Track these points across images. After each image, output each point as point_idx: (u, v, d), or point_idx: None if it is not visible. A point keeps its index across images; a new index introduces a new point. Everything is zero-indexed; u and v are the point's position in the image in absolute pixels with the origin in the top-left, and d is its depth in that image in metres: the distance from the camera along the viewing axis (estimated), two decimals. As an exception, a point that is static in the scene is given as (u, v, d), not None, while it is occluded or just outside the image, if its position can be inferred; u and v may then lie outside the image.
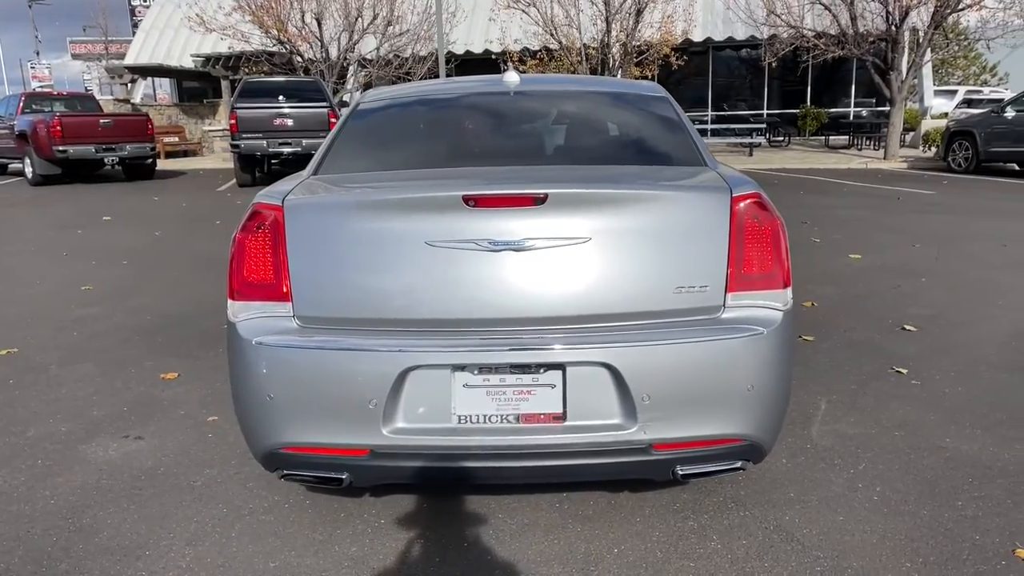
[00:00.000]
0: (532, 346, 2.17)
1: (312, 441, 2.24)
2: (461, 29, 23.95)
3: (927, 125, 19.94)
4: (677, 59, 19.60)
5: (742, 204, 2.30)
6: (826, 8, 17.78)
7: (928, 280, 6.02)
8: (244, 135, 14.39)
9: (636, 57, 19.22)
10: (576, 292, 2.21)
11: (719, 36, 23.24)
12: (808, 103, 25.10)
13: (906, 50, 17.34)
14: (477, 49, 24.29)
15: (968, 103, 21.59)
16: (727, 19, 22.28)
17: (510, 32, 21.57)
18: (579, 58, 19.54)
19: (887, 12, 16.96)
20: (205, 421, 3.49)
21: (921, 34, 17.39)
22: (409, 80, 21.08)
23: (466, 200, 2.20)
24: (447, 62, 19.53)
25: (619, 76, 19.03)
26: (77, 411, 3.65)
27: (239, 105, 14.55)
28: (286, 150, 14.53)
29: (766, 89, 25.78)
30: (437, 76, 18.20)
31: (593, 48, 19.57)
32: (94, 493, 2.86)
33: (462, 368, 2.18)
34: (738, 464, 2.35)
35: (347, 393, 2.18)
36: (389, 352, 2.17)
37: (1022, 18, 16.96)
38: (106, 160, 15.93)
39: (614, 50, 19.10)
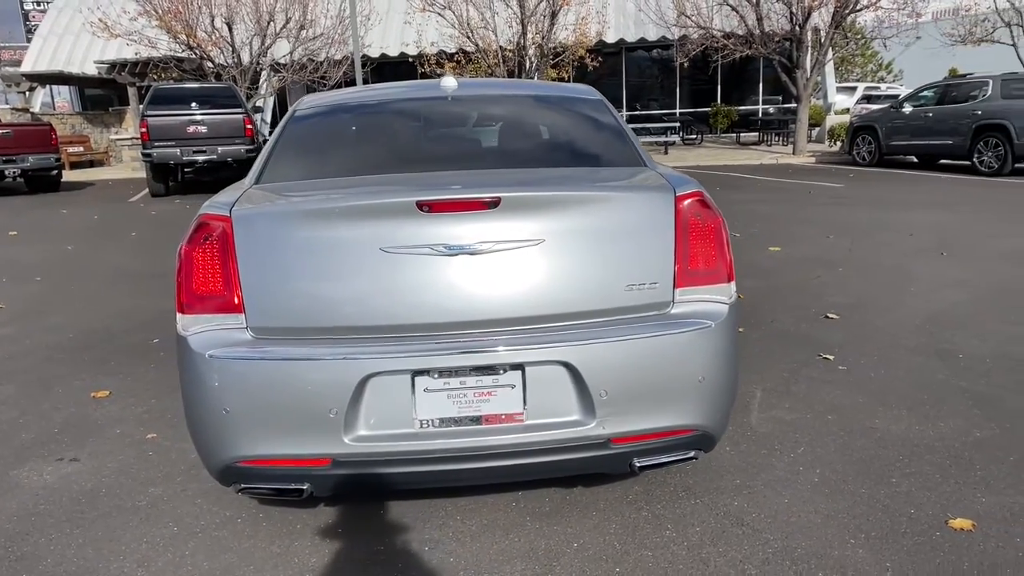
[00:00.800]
0: (491, 347, 2.20)
1: (271, 453, 2.21)
2: (376, 32, 23.76)
3: (831, 121, 20.91)
4: (591, 60, 19.95)
5: (685, 203, 2.39)
6: (733, 9, 18.41)
7: (845, 270, 6.34)
8: (156, 144, 13.90)
9: (552, 59, 19.47)
10: (532, 293, 2.25)
11: (631, 37, 23.78)
12: (719, 101, 25.94)
13: (810, 49, 18.12)
14: (393, 52, 24.14)
15: (867, 99, 22.71)
16: (639, 21, 22.81)
17: (426, 35, 21.53)
18: (496, 60, 19.66)
19: (791, 13, 17.70)
20: (144, 439, 3.37)
21: (823, 34, 18.20)
22: (324, 84, 20.76)
23: (420, 206, 2.22)
24: (363, 65, 19.34)
25: (536, 78, 19.25)
26: (3, 436, 3.47)
27: (149, 113, 14.04)
28: (200, 158, 14.10)
29: (678, 88, 26.52)
30: (353, 80, 17.98)
31: (510, 51, 19.72)
32: (33, 519, 2.73)
33: (423, 373, 2.19)
34: (691, 454, 2.44)
35: (307, 403, 2.16)
36: (348, 360, 2.16)
37: (913, 18, 17.96)
38: (7, 172, 15.11)
39: (531, 52, 19.29)
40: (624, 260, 2.31)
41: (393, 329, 2.22)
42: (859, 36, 18.64)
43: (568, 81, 19.84)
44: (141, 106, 15.68)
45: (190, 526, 2.65)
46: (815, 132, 22.63)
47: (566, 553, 2.43)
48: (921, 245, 7.25)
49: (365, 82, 19.71)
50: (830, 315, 5.00)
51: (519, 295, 2.24)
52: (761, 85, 26.02)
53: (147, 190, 14.78)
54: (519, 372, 2.22)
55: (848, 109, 22.11)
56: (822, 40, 18.05)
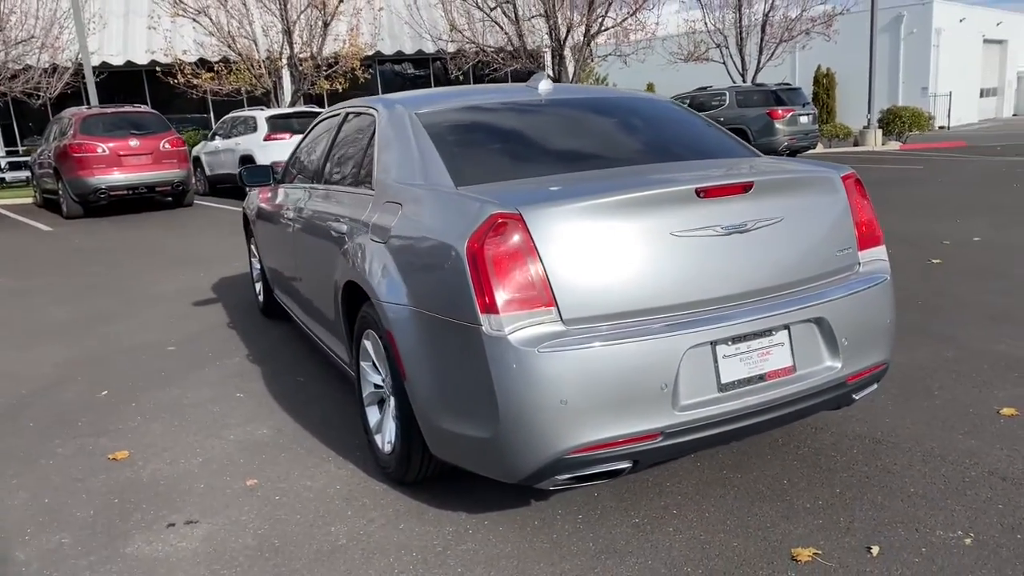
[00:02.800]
0: (765, 313, 2.47)
1: (605, 437, 2.26)
2: (113, 38, 21.39)
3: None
4: (363, 73, 19.91)
5: (849, 180, 2.85)
6: (499, 26, 19.52)
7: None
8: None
9: (326, 70, 19.10)
10: (782, 262, 2.56)
11: (408, 49, 24.05)
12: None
13: (570, 64, 19.80)
14: (140, 60, 21.90)
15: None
16: (414, 34, 23.10)
17: (179, 42, 19.87)
18: (262, 70, 18.80)
19: (551, 30, 19.22)
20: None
21: (579, 50, 19.97)
22: (39, 95, 18.17)
23: (697, 192, 2.43)
24: (97, 74, 17.34)
25: (302, 89, 18.75)
26: None
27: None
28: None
29: None
30: (79, 91, 15.99)
31: (277, 60, 18.98)
32: None
33: (721, 342, 2.40)
34: (875, 384, 2.90)
35: (640, 382, 2.26)
36: (672, 336, 2.30)
37: (648, 37, 20.38)
38: None
39: (305, 62, 18.74)
40: (830, 230, 2.71)
41: (690, 305, 2.40)
42: (600, 56, 20.75)
43: (341, 92, 19.62)
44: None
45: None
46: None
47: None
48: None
49: (102, 95, 17.66)
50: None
51: (775, 265, 2.54)
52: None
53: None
54: (786, 331, 2.51)
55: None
56: (577, 57, 19.81)
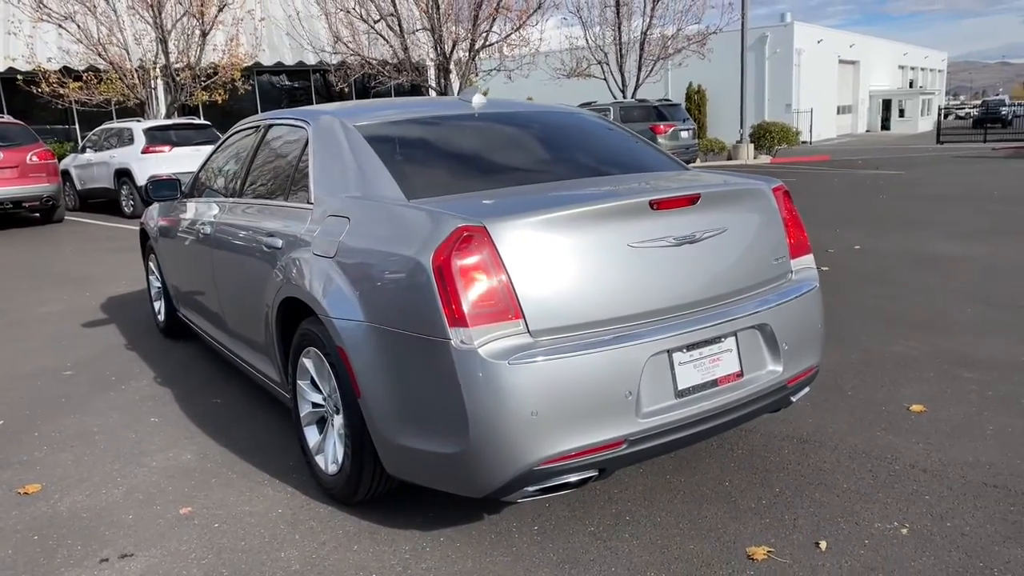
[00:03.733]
0: (715, 320, 2.56)
1: (575, 447, 2.27)
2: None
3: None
4: (245, 83, 19.24)
5: (778, 192, 3.02)
6: (383, 39, 19.35)
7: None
8: None
9: (204, 81, 18.31)
10: (729, 271, 2.67)
11: (289, 60, 23.36)
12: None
13: (456, 78, 19.88)
14: (-2, 66, 20.22)
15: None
16: (295, 45, 22.48)
17: (42, 49, 18.51)
18: (135, 80, 17.82)
19: (437, 45, 19.24)
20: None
21: (463, 65, 20.09)
22: None
23: (651, 204, 2.50)
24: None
25: (179, 100, 17.92)
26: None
27: None
28: None
29: None
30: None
31: (151, 70, 18.05)
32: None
33: (677, 349, 2.47)
34: (808, 387, 3.06)
35: (607, 390, 2.29)
36: (636, 344, 2.35)
37: (533, 53, 20.75)
38: None
39: (182, 72, 17.90)
40: (766, 240, 2.84)
41: (648, 314, 2.45)
42: (486, 71, 20.96)
43: (222, 103, 18.89)
44: None
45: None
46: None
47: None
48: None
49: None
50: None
51: (721, 274, 2.64)
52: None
53: None
54: (734, 338, 2.62)
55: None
56: (464, 71, 19.92)
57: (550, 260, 2.32)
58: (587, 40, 22.24)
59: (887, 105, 44.36)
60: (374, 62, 19.31)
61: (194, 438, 3.61)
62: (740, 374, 2.64)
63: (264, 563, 2.54)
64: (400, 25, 19.13)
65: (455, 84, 19.73)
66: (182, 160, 13.77)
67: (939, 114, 34.12)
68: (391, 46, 19.32)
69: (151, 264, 5.52)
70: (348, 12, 18.95)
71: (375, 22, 19.11)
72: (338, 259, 2.66)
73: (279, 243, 3.07)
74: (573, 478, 2.35)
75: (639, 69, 21.83)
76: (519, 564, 2.48)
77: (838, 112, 41.32)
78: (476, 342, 2.21)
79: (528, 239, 2.30)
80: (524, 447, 2.23)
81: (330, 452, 2.91)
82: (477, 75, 20.50)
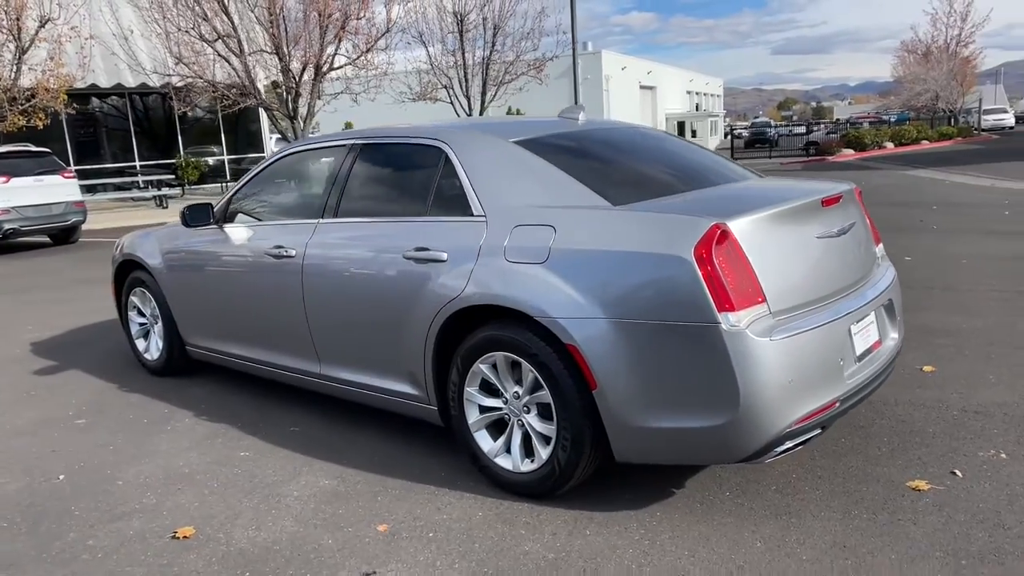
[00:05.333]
0: (866, 297, 3.05)
1: (812, 407, 2.62)
2: None
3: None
4: (68, 106, 17.60)
5: (858, 192, 3.57)
6: (225, 60, 18.51)
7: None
8: None
9: (23, 103, 16.52)
10: (861, 257, 3.16)
11: (130, 83, 21.49)
12: (182, 153, 25.20)
13: (305, 100, 19.39)
14: None
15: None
16: (133, 66, 20.64)
17: None
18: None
19: (284, 67, 18.72)
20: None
21: (310, 86, 19.64)
22: None
23: (822, 202, 2.94)
24: None
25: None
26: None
27: None
28: None
29: (180, 137, 25.04)
30: None
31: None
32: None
33: (854, 322, 2.91)
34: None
35: (829, 357, 2.68)
36: (841, 318, 2.76)
37: (379, 76, 20.75)
38: None
39: (-4, 96, 16.03)
40: (864, 230, 3.35)
41: (833, 294, 2.88)
42: (340, 92, 20.65)
43: (43, 128, 17.16)
44: None
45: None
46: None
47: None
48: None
49: None
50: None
51: (858, 259, 3.13)
52: (223, 136, 26.21)
53: None
54: (874, 312, 3.11)
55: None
56: (311, 92, 19.51)
57: (769, 250, 2.68)
58: (431, 64, 22.57)
59: (681, 127, 48.77)
60: (220, 85, 18.39)
61: (313, 465, 3.52)
62: (880, 342, 3.13)
63: (517, 558, 2.64)
64: (241, 46, 18.40)
65: (303, 108, 19.30)
66: (24, 192, 12.46)
67: (731, 134, 38.03)
68: (233, 68, 18.50)
69: (134, 299, 5.14)
70: (185, 31, 17.93)
71: (212, 41, 18.21)
72: (550, 264, 2.82)
73: (443, 256, 3.15)
74: (806, 436, 2.71)
75: (483, 93, 22.52)
76: (744, 523, 2.77)
77: (642, 133, 44.83)
78: (743, 323, 2.51)
79: (755, 233, 2.65)
80: (782, 412, 2.56)
81: (517, 451, 3.04)
82: (321, 98, 20.12)
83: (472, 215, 3.15)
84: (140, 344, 5.20)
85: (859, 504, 2.87)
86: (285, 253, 3.84)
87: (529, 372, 2.93)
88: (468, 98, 22.69)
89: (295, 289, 3.80)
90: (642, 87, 44.08)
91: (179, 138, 25.44)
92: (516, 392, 3.03)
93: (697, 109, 55.49)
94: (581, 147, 3.41)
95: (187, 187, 24.31)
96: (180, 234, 4.67)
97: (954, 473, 3.06)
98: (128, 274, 5.19)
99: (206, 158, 25.59)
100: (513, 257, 2.94)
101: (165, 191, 19.82)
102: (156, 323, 5.03)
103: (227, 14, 17.96)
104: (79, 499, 3.31)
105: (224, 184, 23.91)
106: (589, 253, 2.77)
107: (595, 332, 2.70)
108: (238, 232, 4.26)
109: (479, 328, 3.06)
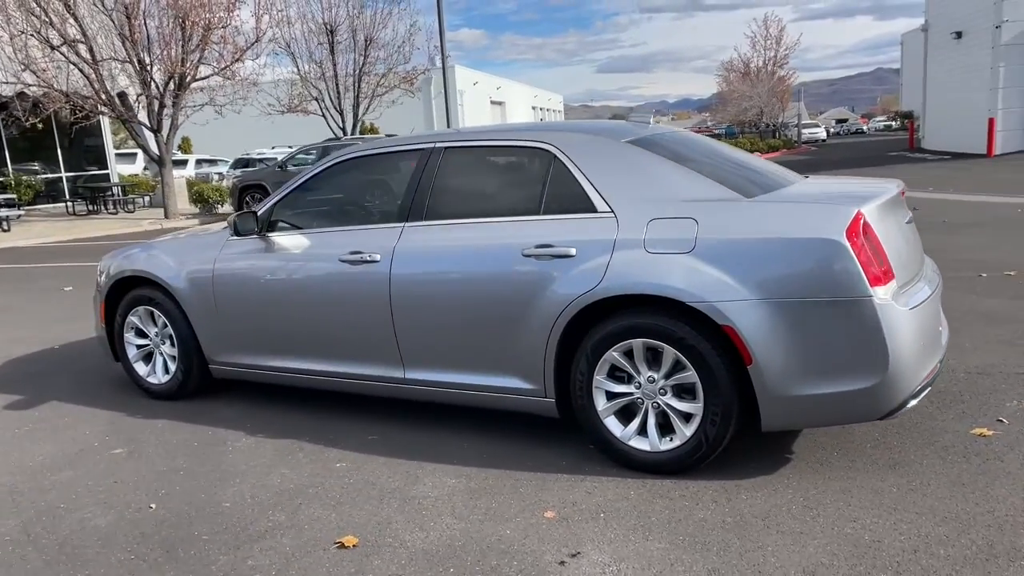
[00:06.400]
0: (936, 279, 3.53)
1: (930, 368, 3.04)
2: None
3: (179, 184, 21.32)
4: None
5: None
6: (78, 68, 17.13)
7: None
8: None
9: None
10: (918, 245, 3.65)
11: None
12: (9, 170, 22.85)
13: (170, 111, 18.28)
14: None
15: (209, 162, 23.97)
16: None
17: None
18: None
19: (143, 78, 17.59)
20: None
21: (170, 99, 18.58)
22: None
23: (900, 193, 3.39)
24: None
25: None
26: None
27: None
28: None
29: (7, 153, 22.43)
30: None
31: None
32: None
33: (938, 296, 3.38)
34: None
35: (936, 325, 3.15)
36: (936, 293, 3.23)
37: (247, 88, 19.96)
38: None
39: None
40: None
41: (919, 272, 3.34)
42: (204, 103, 19.58)
43: None
44: None
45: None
46: (147, 199, 22.61)
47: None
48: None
49: None
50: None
51: (918, 246, 3.61)
52: (59, 151, 24.06)
53: None
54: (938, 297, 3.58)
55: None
56: (174, 104, 18.45)
57: (886, 234, 3.09)
58: (300, 74, 21.95)
59: (531, 140, 50.27)
60: (74, 95, 16.93)
61: (424, 468, 3.54)
62: (942, 324, 3.62)
63: (700, 524, 2.85)
64: (92, 53, 17.09)
65: (165, 122, 18.21)
66: None
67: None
68: (86, 76, 17.14)
69: (133, 320, 4.81)
70: (29, 35, 16.39)
71: (58, 46, 16.78)
72: (698, 253, 3.07)
73: (572, 251, 3.29)
74: (923, 394, 3.13)
75: (356, 106, 22.22)
76: (869, 476, 3.14)
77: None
78: (889, 296, 2.89)
79: (876, 219, 3.05)
80: (916, 372, 2.96)
81: (654, 432, 3.25)
82: (183, 109, 19.04)
83: (596, 212, 3.33)
84: (140, 368, 4.87)
85: (948, 450, 3.33)
86: (367, 258, 3.80)
87: (670, 355, 3.14)
88: (341, 111, 22.31)
89: (379, 294, 3.77)
90: (492, 102, 45.07)
91: (6, 153, 23.01)
92: (651, 376, 3.24)
93: (541, 123, 57.38)
94: (679, 147, 3.67)
95: (20, 207, 22.05)
96: (209, 245, 4.45)
97: (1000, 420, 3.61)
98: (122, 294, 4.86)
99: (41, 175, 23.34)
100: (655, 249, 3.15)
101: (5, 212, 17.85)
102: (163, 344, 4.74)
103: (75, 18, 16.64)
104: (193, 524, 3.14)
105: (69, 203, 21.90)
106: (737, 241, 3.04)
107: (750, 312, 2.97)
108: (293, 240, 4.14)
109: (611, 318, 3.23)
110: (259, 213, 4.25)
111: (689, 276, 3.06)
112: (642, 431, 3.30)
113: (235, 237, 4.32)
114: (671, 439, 3.24)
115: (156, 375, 4.80)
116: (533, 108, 56.86)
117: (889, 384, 2.92)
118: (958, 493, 2.96)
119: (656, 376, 3.23)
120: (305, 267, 4.04)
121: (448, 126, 24.58)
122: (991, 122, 24.06)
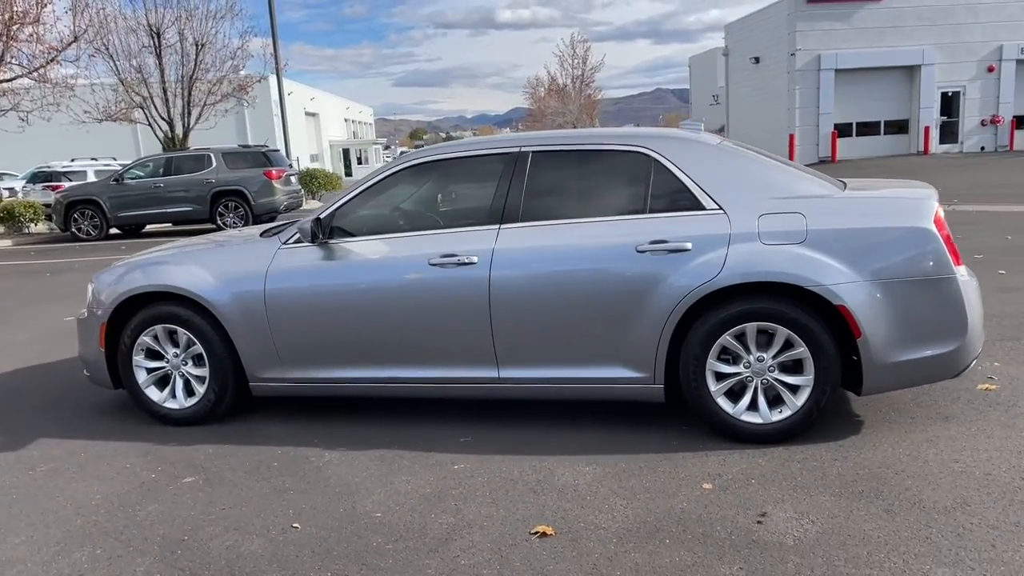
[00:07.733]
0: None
1: (983, 338, 3.70)
2: None
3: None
4: None
5: None
6: None
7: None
8: None
9: None
10: None
11: None
12: None
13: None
14: None
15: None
16: None
17: None
18: None
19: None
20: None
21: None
22: None
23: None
24: None
25: None
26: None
27: None
28: None
29: None
30: None
31: None
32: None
33: None
34: None
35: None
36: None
37: (61, 94, 18.04)
38: None
39: None
40: None
41: None
42: (10, 108, 17.31)
43: None
44: None
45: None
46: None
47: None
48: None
49: None
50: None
51: None
52: None
53: None
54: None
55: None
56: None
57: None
58: (120, 78, 20.05)
59: (346, 153, 49.41)
60: None
61: (546, 460, 3.67)
62: None
63: (841, 477, 3.28)
64: None
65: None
66: None
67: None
68: None
69: (146, 340, 4.43)
70: None
71: None
72: (810, 243, 3.50)
73: (688, 245, 3.60)
74: (978, 357, 3.77)
75: (187, 115, 20.75)
76: (928, 428, 3.74)
77: (311, 160, 44.51)
78: (965, 274, 3.50)
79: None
80: (981, 338, 3.62)
81: (764, 406, 3.65)
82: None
83: (705, 209, 3.67)
84: (153, 394, 4.49)
85: (969, 404, 4.03)
86: (464, 260, 3.85)
87: (782, 335, 3.56)
88: (170, 120, 20.74)
89: (477, 295, 3.84)
90: (307, 113, 43.77)
91: None
92: (760, 356, 3.63)
93: (355, 136, 56.66)
94: (750, 150, 4.11)
95: None
96: (253, 256, 4.23)
97: (991, 378, 4.40)
98: (128, 313, 4.46)
99: None
100: (770, 241, 3.54)
101: None
102: (184, 365, 4.42)
103: None
104: (361, 536, 3.07)
105: None
106: (841, 231, 3.51)
107: (859, 292, 3.45)
108: (368, 246, 4.07)
109: (722, 305, 3.59)
110: (322, 218, 4.14)
111: (805, 264, 3.49)
112: (751, 406, 3.68)
113: (291, 245, 4.16)
114: (780, 411, 3.64)
115: (177, 399, 4.45)
116: (346, 120, 55.95)
117: (965, 347, 3.53)
118: (1012, 432, 3.63)
119: (765, 356, 3.62)
120: (388, 273, 3.99)
121: (284, 138, 23.71)
122: (791, 138, 27.35)
